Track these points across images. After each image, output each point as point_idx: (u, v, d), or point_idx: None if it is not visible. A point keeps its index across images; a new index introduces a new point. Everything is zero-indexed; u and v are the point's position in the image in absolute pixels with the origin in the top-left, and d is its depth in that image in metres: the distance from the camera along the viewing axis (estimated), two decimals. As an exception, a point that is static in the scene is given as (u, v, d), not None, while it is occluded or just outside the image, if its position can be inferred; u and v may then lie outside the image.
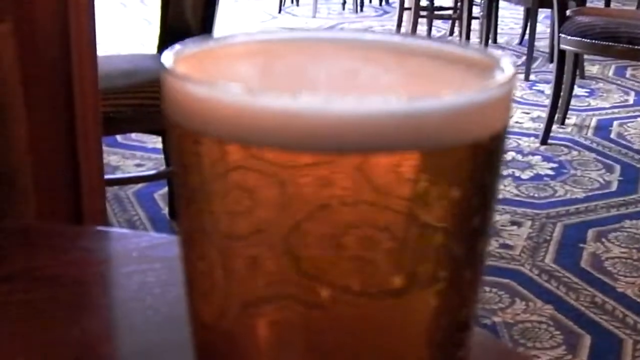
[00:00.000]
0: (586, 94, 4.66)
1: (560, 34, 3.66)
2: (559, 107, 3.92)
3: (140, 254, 0.58)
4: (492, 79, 0.29)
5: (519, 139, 3.88)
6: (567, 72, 3.89)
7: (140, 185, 3.20)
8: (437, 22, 6.32)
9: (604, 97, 4.64)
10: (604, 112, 4.36)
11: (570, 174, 3.44)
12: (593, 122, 4.16)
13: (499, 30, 6.15)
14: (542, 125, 3.86)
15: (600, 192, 3.25)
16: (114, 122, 2.30)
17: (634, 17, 3.73)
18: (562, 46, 3.68)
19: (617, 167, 3.52)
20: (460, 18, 5.52)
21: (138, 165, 3.46)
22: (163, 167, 3.01)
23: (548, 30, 5.77)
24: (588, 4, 4.64)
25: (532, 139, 3.87)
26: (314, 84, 0.32)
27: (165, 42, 2.77)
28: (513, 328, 2.26)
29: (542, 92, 4.64)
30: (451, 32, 6.30)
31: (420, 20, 5.55)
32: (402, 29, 5.69)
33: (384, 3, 7.95)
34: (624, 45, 3.45)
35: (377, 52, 0.33)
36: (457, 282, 0.30)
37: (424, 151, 0.27)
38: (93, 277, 0.59)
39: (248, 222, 0.29)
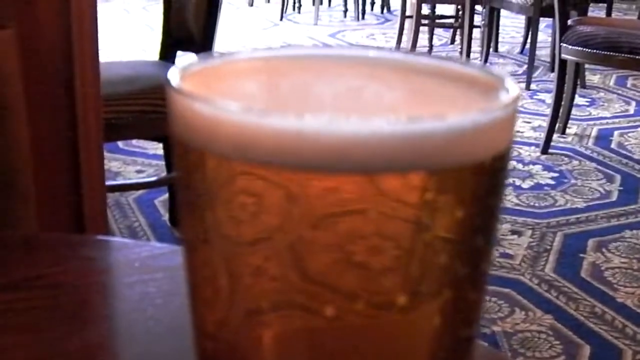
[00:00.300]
0: (587, 104, 4.66)
1: (561, 44, 3.66)
2: (559, 116, 3.93)
3: (142, 263, 0.59)
4: (497, 100, 0.29)
5: (520, 148, 3.88)
6: (568, 82, 3.89)
7: (141, 192, 3.20)
8: (438, 31, 6.33)
9: (604, 106, 4.64)
10: (604, 121, 4.36)
11: (570, 184, 3.44)
12: (594, 132, 4.16)
13: (500, 39, 6.16)
14: (542, 135, 3.87)
15: (600, 202, 3.25)
16: (115, 129, 2.31)
17: (635, 27, 3.74)
18: (563, 55, 3.68)
19: (618, 177, 3.52)
20: (461, 27, 5.52)
21: (139, 172, 3.46)
22: (164, 174, 3.01)
23: (549, 39, 5.77)
24: (589, 14, 4.64)
25: (532, 148, 3.87)
26: (318, 102, 0.32)
27: (167, 49, 2.78)
28: (512, 337, 2.26)
29: (543, 101, 4.65)
30: (452, 41, 6.31)
31: (421, 28, 5.55)
32: (404, 37, 5.70)
33: (385, 11, 7.96)
34: (625, 55, 3.45)
35: (381, 69, 0.33)
36: (461, 301, 0.30)
37: (427, 172, 0.27)
38: (95, 286, 0.59)
39: (253, 228, 0.29)
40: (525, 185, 3.40)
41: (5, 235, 0.68)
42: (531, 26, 5.09)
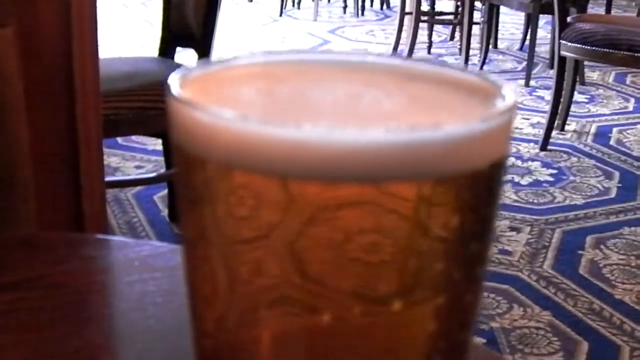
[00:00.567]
0: (586, 101, 4.67)
1: (560, 41, 3.67)
2: (558, 113, 3.93)
3: (142, 262, 0.59)
4: (494, 108, 0.29)
5: (519, 144, 3.89)
6: (567, 79, 3.90)
7: (140, 188, 3.21)
8: (437, 27, 6.33)
9: (604, 103, 4.64)
10: (603, 118, 4.36)
11: (569, 180, 3.44)
12: (593, 129, 4.17)
13: (499, 36, 6.16)
14: (541, 132, 3.87)
15: (599, 198, 3.26)
16: (115, 125, 2.31)
17: (634, 24, 3.74)
18: (563, 53, 3.69)
19: (617, 174, 3.52)
20: (461, 23, 5.52)
21: (138, 167, 3.46)
22: (163, 170, 3.01)
23: (549, 36, 5.78)
24: (589, 11, 4.65)
25: (531, 145, 3.88)
26: (316, 109, 0.32)
27: (167, 45, 2.78)
28: (511, 334, 2.27)
29: (542, 98, 4.65)
30: (452, 37, 6.31)
31: (421, 25, 5.56)
32: (403, 34, 5.70)
33: (384, 7, 7.96)
34: (624, 52, 3.46)
35: (380, 75, 0.34)
36: (456, 304, 0.31)
37: (425, 180, 0.28)
38: (95, 286, 0.59)
39: (252, 226, 0.30)
40: (524, 182, 3.41)
41: (5, 236, 0.69)
42: (530, 23, 5.09)
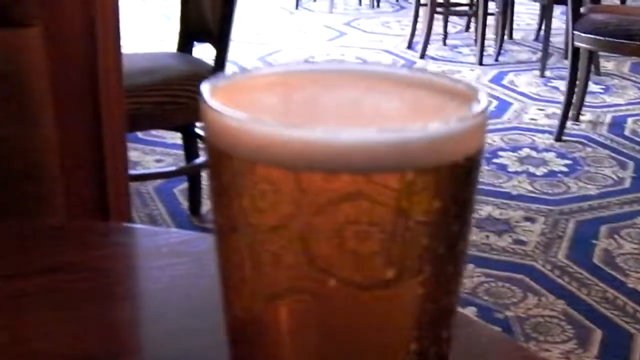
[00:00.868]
0: (601, 91, 4.68)
1: (574, 32, 3.69)
2: (573, 103, 3.96)
3: (170, 249, 0.64)
4: (470, 111, 0.35)
5: (534, 135, 3.92)
6: (582, 69, 3.92)
7: (160, 181, 3.27)
8: (453, 18, 6.35)
9: (619, 93, 4.66)
10: (618, 108, 4.39)
11: (584, 171, 3.47)
12: (608, 119, 4.19)
13: (515, 26, 6.18)
14: (556, 122, 3.90)
15: (613, 188, 3.29)
16: (136, 119, 2.36)
17: (648, 14, 3.76)
18: (576, 43, 3.71)
19: (631, 164, 3.55)
20: (476, 14, 5.55)
21: (158, 161, 3.52)
22: (183, 163, 3.07)
23: (564, 26, 5.79)
24: (603, 1, 4.66)
25: (546, 135, 3.91)
26: (325, 112, 0.39)
27: (185, 40, 2.83)
28: (525, 322, 2.31)
29: (557, 88, 4.68)
30: (467, 28, 6.33)
31: (436, 16, 5.58)
32: (419, 25, 5.73)
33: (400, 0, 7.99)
34: (638, 42, 3.48)
35: (380, 83, 0.40)
36: (440, 275, 0.36)
37: (410, 170, 0.33)
38: (127, 269, 0.64)
39: (272, 216, 0.35)
40: (539, 173, 3.44)
41: (40, 225, 0.74)
42: (545, 13, 5.11)
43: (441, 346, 0.37)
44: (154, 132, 3.74)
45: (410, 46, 5.79)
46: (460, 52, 5.73)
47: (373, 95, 0.39)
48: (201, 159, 2.80)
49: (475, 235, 2.84)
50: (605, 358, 2.16)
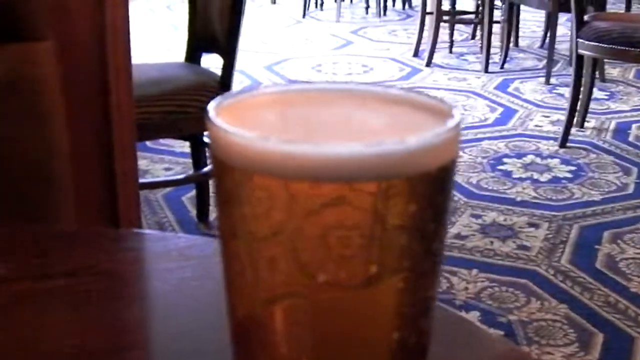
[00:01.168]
0: (606, 97, 4.72)
1: (578, 39, 3.73)
2: (577, 110, 3.99)
3: (179, 252, 0.68)
4: (444, 126, 0.39)
5: (538, 142, 3.96)
6: (586, 76, 3.95)
7: (169, 189, 3.31)
8: (459, 26, 6.40)
9: (623, 100, 4.70)
10: (623, 115, 4.42)
11: (587, 177, 3.51)
12: (612, 125, 4.22)
13: (520, 34, 6.22)
14: (561, 129, 3.93)
15: (617, 194, 3.32)
16: (144, 129, 2.40)
17: (651, 22, 3.79)
18: (580, 51, 3.75)
19: (635, 170, 3.58)
20: (482, 22, 5.59)
21: (167, 169, 3.57)
22: (191, 172, 3.11)
23: (570, 33, 5.82)
24: (608, 9, 4.70)
25: (551, 142, 3.94)
26: (318, 128, 0.43)
27: (193, 50, 2.87)
28: (528, 326, 2.34)
29: (562, 95, 4.71)
30: (473, 36, 6.38)
31: (442, 24, 5.63)
32: (425, 33, 5.77)
33: (406, 7, 8.03)
34: (640, 50, 3.51)
35: (367, 100, 0.45)
36: (419, 272, 0.41)
37: (388, 179, 0.38)
38: (138, 272, 0.68)
39: (267, 224, 0.40)
40: (543, 179, 3.48)
41: (54, 230, 0.78)
42: (550, 21, 5.15)
43: (421, 336, 0.42)
44: (162, 141, 3.79)
45: (416, 54, 5.84)
46: (466, 60, 5.77)
47: (360, 113, 0.44)
48: (209, 167, 2.84)
49: (479, 241, 2.88)
50: (607, 361, 2.19)
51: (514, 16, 5.72)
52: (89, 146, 1.60)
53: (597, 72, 4.40)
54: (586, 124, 4.17)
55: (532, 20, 6.97)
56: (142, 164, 3.56)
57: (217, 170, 0.41)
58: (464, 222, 3.04)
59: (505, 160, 3.71)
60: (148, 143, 3.75)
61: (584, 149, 3.86)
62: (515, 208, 3.16)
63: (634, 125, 4.22)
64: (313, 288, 0.40)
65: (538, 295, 2.52)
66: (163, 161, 3.66)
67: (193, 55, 2.87)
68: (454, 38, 5.98)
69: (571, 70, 3.94)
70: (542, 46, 5.98)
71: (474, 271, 2.65)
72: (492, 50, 5.45)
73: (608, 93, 4.81)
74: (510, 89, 4.94)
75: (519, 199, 3.26)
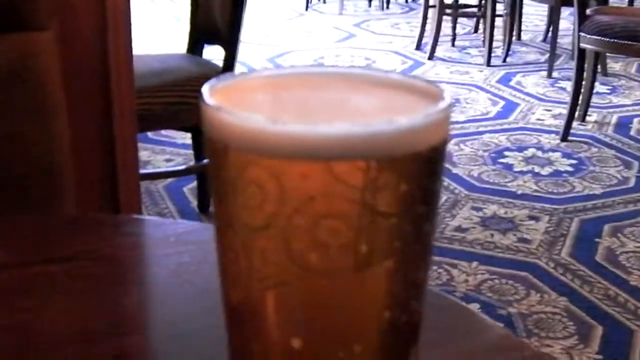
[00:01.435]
0: (608, 91, 4.72)
1: (580, 33, 3.73)
2: (579, 104, 3.99)
3: (177, 238, 0.69)
4: (433, 107, 0.40)
5: (540, 135, 3.96)
6: (588, 70, 3.95)
7: (170, 180, 3.32)
8: (462, 20, 6.40)
9: (625, 94, 4.70)
10: (625, 109, 4.42)
11: (589, 170, 3.51)
12: (614, 119, 4.23)
13: (523, 27, 6.22)
14: (563, 122, 3.93)
15: (617, 188, 3.33)
16: (146, 120, 2.41)
17: (653, 16, 3.79)
18: (582, 45, 3.75)
19: (636, 164, 3.59)
20: (484, 16, 5.59)
21: (168, 160, 3.58)
22: (192, 163, 3.12)
23: (572, 27, 5.82)
24: (610, 2, 4.69)
25: (552, 135, 3.95)
26: (311, 109, 0.44)
27: (195, 42, 2.88)
28: (528, 319, 2.35)
29: (564, 89, 4.71)
30: (476, 30, 6.37)
31: (445, 17, 5.63)
32: (427, 26, 5.77)
33: (409, 0, 8.03)
34: (643, 44, 3.51)
35: (361, 83, 0.45)
36: (409, 254, 0.41)
37: (378, 158, 0.39)
38: (137, 257, 0.69)
39: (260, 215, 0.40)
40: (544, 172, 3.48)
41: (54, 217, 0.79)
42: (553, 15, 5.15)
43: (412, 316, 0.43)
44: (163, 132, 3.80)
45: (419, 47, 5.84)
46: (468, 54, 5.77)
47: (354, 95, 0.45)
48: (210, 158, 2.85)
49: (480, 234, 2.88)
50: (606, 354, 2.20)
51: (516, 10, 5.72)
52: (90, 137, 1.61)
53: (599, 66, 4.40)
54: (588, 118, 4.17)
55: (534, 14, 6.97)
56: (144, 155, 3.56)
57: (209, 151, 0.42)
58: (465, 214, 3.04)
59: (506, 153, 3.71)
60: (149, 134, 3.76)
61: (586, 143, 3.86)
62: (516, 201, 3.17)
63: (635, 120, 4.23)
64: (304, 276, 0.41)
65: (538, 288, 2.53)
66: (164, 152, 3.67)
67: (195, 46, 2.88)
68: (456, 31, 5.98)
69: (573, 64, 3.94)
70: (544, 40, 5.99)
71: (474, 263, 2.66)
72: (495, 44, 5.45)
73: (610, 87, 4.81)
74: (512, 83, 4.95)
75: (519, 192, 3.26)
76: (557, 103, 4.48)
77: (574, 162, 3.62)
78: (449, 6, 5.77)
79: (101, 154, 1.61)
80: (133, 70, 1.64)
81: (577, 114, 3.99)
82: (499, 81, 4.98)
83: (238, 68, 2.78)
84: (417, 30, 5.92)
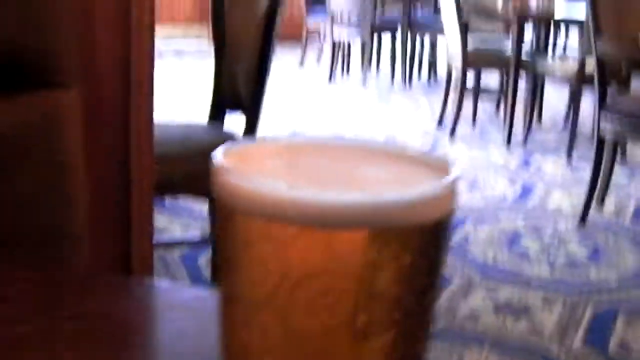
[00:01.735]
0: (627, 177, 4.71)
1: (599, 117, 3.73)
2: (597, 189, 3.98)
3: (184, 304, 0.69)
4: (441, 181, 0.41)
5: (557, 219, 3.94)
6: (607, 155, 3.94)
7: (185, 249, 3.32)
8: (483, 100, 6.44)
9: (644, 181, 4.68)
10: (643, 196, 4.40)
11: (605, 257, 3.48)
12: (632, 206, 4.21)
13: (544, 110, 6.24)
14: (580, 207, 3.92)
15: (633, 275, 3.29)
16: (163, 187, 2.42)
17: (674, 105, 3.79)
18: (601, 128, 3.74)
19: (653, 252, 3.56)
20: (505, 96, 5.62)
21: (184, 229, 3.58)
22: (208, 232, 3.12)
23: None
24: (633, 85, 4.70)
25: (569, 220, 3.93)
26: (321, 177, 0.45)
27: (216, 110, 2.90)
28: (538, 405, 2.31)
29: (583, 173, 4.70)
30: (497, 109, 6.41)
31: (467, 97, 5.67)
32: (449, 105, 5.81)
33: (432, 79, 8.10)
34: (662, 132, 3.51)
35: (370, 154, 0.46)
36: (409, 325, 0.42)
37: (383, 229, 0.39)
38: (142, 321, 0.69)
39: (262, 289, 0.41)
40: (559, 257, 3.46)
41: (66, 276, 0.79)
42: (573, 97, 5.17)
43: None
44: (181, 200, 3.81)
45: (439, 125, 5.87)
46: (488, 133, 5.79)
47: (364, 165, 0.46)
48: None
49: (491, 319, 2.85)
50: None
51: (537, 91, 5.75)
52: (106, 199, 1.61)
53: (619, 151, 4.39)
54: (606, 204, 4.16)
55: (556, 97, 7.00)
56: (160, 221, 3.57)
57: (218, 215, 0.43)
58: (478, 298, 3.01)
59: (522, 237, 3.70)
60: (167, 202, 3.77)
61: (603, 229, 3.84)
62: (530, 286, 3.14)
63: (654, 207, 4.21)
64: (302, 351, 0.41)
65: (549, 374, 2.49)
66: (181, 220, 3.67)
67: (217, 114, 2.90)
68: (477, 111, 6.02)
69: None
70: (565, 123, 6.00)
71: (485, 349, 2.63)
72: (515, 125, 5.47)
73: (629, 173, 4.80)
74: (531, 165, 4.95)
75: (534, 276, 3.24)
76: (575, 187, 4.47)
77: (590, 248, 3.59)
78: (470, 86, 5.82)
79: (117, 216, 1.62)
80: (153, 137, 1.66)
81: (595, 199, 3.98)
82: (517, 162, 4.99)
83: (258, 137, 2.80)
84: (439, 108, 5.96)
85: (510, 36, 5.42)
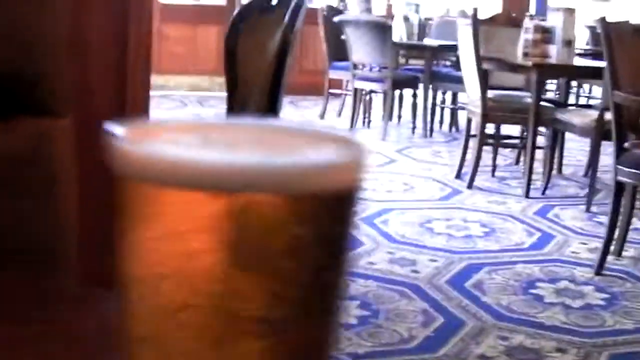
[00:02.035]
0: (646, 227, 4.65)
1: (617, 166, 3.70)
2: (615, 239, 3.93)
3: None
4: (345, 152, 0.40)
5: (574, 268, 3.89)
6: (625, 204, 3.90)
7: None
8: (504, 151, 6.41)
9: (664, 229, 4.62)
10: (662, 247, 4.34)
11: (621, 305, 3.42)
12: (651, 256, 4.14)
13: (565, 161, 6.21)
14: (598, 256, 3.86)
15: (650, 325, 3.23)
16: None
17: (693, 153, 3.75)
18: (619, 178, 3.71)
19: (671, 302, 3.49)
20: (525, 147, 5.59)
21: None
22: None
23: (613, 164, 5.79)
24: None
25: (587, 269, 3.87)
26: (219, 145, 0.43)
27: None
28: None
29: (602, 224, 4.64)
30: (517, 161, 6.37)
31: (487, 147, 5.65)
32: (468, 155, 5.79)
33: (453, 129, 8.09)
34: (680, 180, 3.47)
35: (275, 133, 0.45)
36: (306, 305, 0.39)
37: (288, 193, 0.38)
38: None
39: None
40: (575, 305, 3.40)
41: (62, 291, 0.78)
42: (592, 148, 5.14)
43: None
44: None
45: (458, 176, 5.84)
46: (507, 184, 5.76)
47: (272, 137, 0.44)
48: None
49: (502, 362, 2.80)
50: None
51: (557, 143, 5.72)
52: (101, 229, 1.60)
53: (638, 201, 4.34)
54: (624, 253, 4.10)
55: (577, 148, 6.96)
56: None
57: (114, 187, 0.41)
58: (490, 343, 2.96)
59: (538, 284, 3.64)
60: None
61: (620, 278, 3.78)
62: (543, 332, 3.08)
63: (673, 258, 4.14)
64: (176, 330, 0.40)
65: (560, 421, 2.43)
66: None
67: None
68: (497, 162, 5.99)
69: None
70: (585, 174, 5.95)
71: (495, 392, 2.57)
72: (535, 177, 5.43)
73: (649, 224, 4.73)
74: (549, 215, 4.90)
75: (548, 323, 3.18)
76: (593, 237, 4.41)
77: (606, 296, 3.53)
78: (490, 136, 5.81)
79: (109, 248, 1.60)
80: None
81: (613, 248, 3.92)
82: (536, 213, 4.95)
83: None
84: (458, 159, 5.94)
85: (530, 87, 5.40)
